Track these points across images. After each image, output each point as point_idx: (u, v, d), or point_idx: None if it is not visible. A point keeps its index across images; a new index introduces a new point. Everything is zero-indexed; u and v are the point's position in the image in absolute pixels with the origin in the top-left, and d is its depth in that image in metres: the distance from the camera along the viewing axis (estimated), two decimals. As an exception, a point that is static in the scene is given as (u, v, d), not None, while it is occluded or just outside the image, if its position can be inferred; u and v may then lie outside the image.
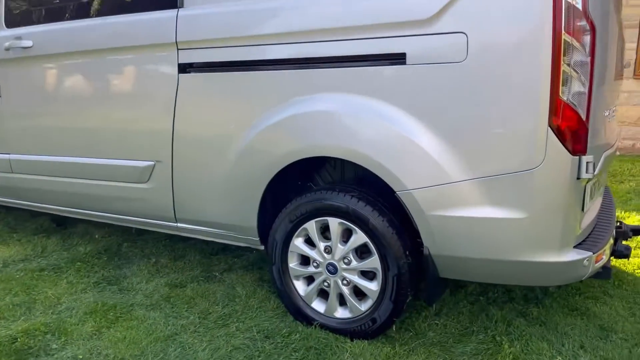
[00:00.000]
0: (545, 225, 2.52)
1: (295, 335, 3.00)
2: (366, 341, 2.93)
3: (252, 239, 3.28)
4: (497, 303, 3.36)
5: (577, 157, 2.45)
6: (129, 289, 3.60)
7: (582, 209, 2.72)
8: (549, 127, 2.41)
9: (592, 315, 3.21)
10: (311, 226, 2.98)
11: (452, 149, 2.57)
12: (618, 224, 3.48)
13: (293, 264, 3.10)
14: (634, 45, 8.89)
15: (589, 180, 2.72)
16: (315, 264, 3.03)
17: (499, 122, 2.48)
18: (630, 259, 4.03)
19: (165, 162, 3.35)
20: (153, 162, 3.39)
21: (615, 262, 3.98)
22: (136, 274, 3.83)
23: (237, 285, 3.60)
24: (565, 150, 2.43)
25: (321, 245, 2.98)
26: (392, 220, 2.79)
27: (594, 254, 2.65)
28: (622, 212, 5.22)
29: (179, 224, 3.50)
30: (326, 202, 2.89)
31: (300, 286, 3.12)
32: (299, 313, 3.12)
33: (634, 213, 5.19)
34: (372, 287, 2.88)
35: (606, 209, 3.38)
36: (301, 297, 3.11)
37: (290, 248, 3.07)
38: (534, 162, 2.46)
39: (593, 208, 3.03)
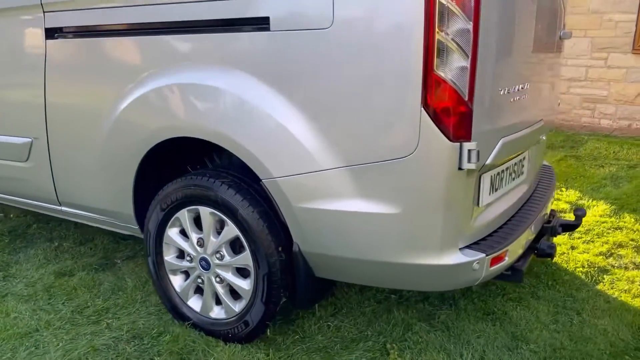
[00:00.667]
0: (422, 222, 2.15)
1: (166, 336, 2.70)
2: (240, 345, 2.61)
3: (133, 228, 2.97)
4: (408, 303, 3.01)
5: (458, 143, 2.07)
6: (14, 276, 3.33)
7: (478, 204, 2.34)
8: (422, 108, 2.03)
9: (507, 321, 2.85)
10: (183, 216, 2.65)
11: (320, 132, 2.20)
12: (548, 217, 3.08)
13: (169, 256, 2.78)
14: (634, 16, 8.26)
15: (488, 169, 2.34)
16: (189, 258, 2.71)
17: (369, 101, 2.10)
18: (579, 254, 3.63)
19: (41, 139, 3.03)
20: (30, 139, 3.08)
21: (557, 258, 3.59)
22: (30, 259, 3.56)
23: (128, 276, 3.30)
24: (443, 136, 2.05)
25: (194, 237, 2.65)
26: (265, 213, 2.44)
27: (487, 255, 2.28)
28: (589, 201, 4.79)
29: (63, 208, 3.19)
30: (195, 189, 2.55)
31: (176, 281, 2.81)
32: (175, 310, 2.82)
33: (602, 202, 4.76)
34: (245, 286, 2.56)
35: (535, 200, 2.99)
36: (177, 294, 2.80)
37: (165, 239, 2.75)
38: (406, 150, 2.08)
39: (507, 200, 2.65)
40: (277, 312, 2.52)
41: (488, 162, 2.22)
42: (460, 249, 2.27)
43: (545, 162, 3.72)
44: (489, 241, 2.42)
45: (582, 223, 4.13)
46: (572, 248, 3.77)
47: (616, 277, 3.35)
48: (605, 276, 3.36)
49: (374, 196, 2.18)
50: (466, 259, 2.23)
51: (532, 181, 3.01)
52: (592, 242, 3.89)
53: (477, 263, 2.26)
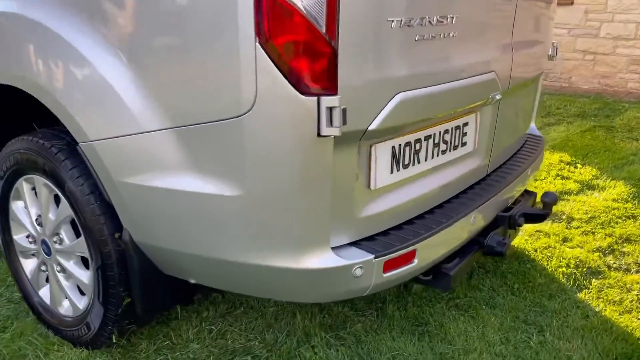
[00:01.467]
0: (270, 210, 1.52)
1: (7, 333, 2.20)
2: (87, 352, 2.08)
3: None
4: (323, 304, 2.39)
5: (314, 98, 1.40)
6: None
7: (369, 185, 1.68)
8: (257, 45, 1.37)
9: (440, 337, 2.18)
10: (22, 186, 2.11)
11: (143, 82, 1.59)
12: (512, 203, 2.36)
13: (17, 235, 2.26)
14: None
15: (385, 138, 1.67)
16: (31, 239, 2.18)
17: (194, 34, 1.47)
18: (570, 249, 2.89)
19: None
20: None
21: (539, 254, 2.86)
22: None
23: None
24: (290, 86, 1.39)
25: (32, 213, 2.11)
26: (97, 187, 1.85)
27: (377, 257, 1.63)
28: (605, 180, 3.95)
29: None
30: (25, 152, 1.99)
31: (27, 265, 2.29)
32: (27, 300, 2.31)
33: (621, 183, 3.91)
34: (85, 279, 2.00)
35: (492, 180, 2.27)
36: (29, 280, 2.29)
37: (10, 214, 2.23)
38: (240, 106, 1.44)
39: (435, 180, 1.96)
40: (124, 316, 1.96)
41: (374, 126, 1.54)
42: (335, 247, 1.63)
43: (534, 131, 2.95)
44: (391, 237, 1.75)
45: (588, 209, 3.36)
46: (564, 240, 3.01)
47: (608, 283, 2.59)
48: (594, 280, 2.61)
49: (208, 171, 1.56)
50: (341, 262, 1.59)
51: (492, 155, 2.28)
52: (593, 233, 3.12)
53: (360, 267, 1.61)
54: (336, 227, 1.61)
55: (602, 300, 2.46)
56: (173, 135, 1.57)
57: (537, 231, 3.10)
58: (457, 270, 2.00)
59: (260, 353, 2.09)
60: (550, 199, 2.23)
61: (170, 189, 1.62)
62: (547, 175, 4.05)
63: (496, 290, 2.50)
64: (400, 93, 1.58)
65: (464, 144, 2.05)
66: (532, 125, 2.96)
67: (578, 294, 2.50)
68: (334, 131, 1.42)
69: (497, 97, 2.04)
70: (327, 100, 1.40)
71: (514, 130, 2.52)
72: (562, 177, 4.01)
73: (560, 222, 3.24)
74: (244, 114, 1.43)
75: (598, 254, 2.87)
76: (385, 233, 1.77)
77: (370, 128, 1.53)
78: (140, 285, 1.85)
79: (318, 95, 1.40)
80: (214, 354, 2.10)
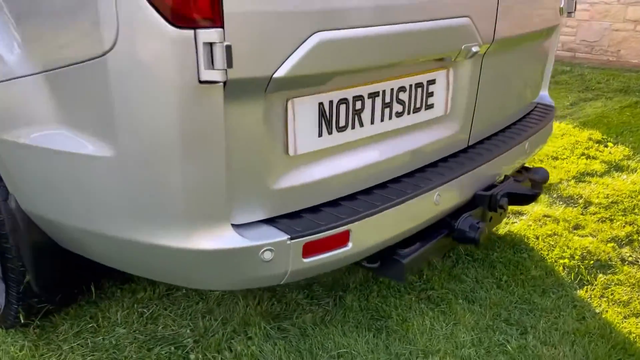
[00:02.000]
0: (149, 175, 1.23)
1: None
2: (1, 331, 1.87)
3: None
4: (277, 288, 2.10)
5: (189, 31, 1.09)
6: None
7: (287, 150, 1.36)
8: (111, -41, 1.07)
9: (399, 335, 1.85)
10: None
11: (10, 17, 1.32)
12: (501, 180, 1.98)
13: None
14: None
15: (309, 91, 1.34)
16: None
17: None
18: (580, 237, 2.49)
19: None
20: None
21: (540, 242, 2.47)
22: None
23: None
24: (158, 15, 1.08)
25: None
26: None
27: (293, 239, 1.32)
28: (637, 161, 3.47)
29: None
30: None
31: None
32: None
33: (657, 164, 3.43)
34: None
35: (472, 152, 1.91)
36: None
37: None
38: (102, 43, 1.15)
39: (389, 148, 1.62)
40: (29, 294, 1.72)
41: (282, 74, 1.21)
42: (242, 225, 1.33)
43: (544, 99, 2.54)
44: (321, 215, 1.44)
45: (611, 192, 2.93)
46: (575, 228, 2.60)
47: (617, 279, 2.19)
48: (601, 276, 2.22)
49: (79, 127, 1.28)
50: (242, 242, 1.29)
51: (475, 123, 1.91)
52: (611, 220, 2.69)
53: (269, 250, 1.31)
54: (242, 200, 1.31)
55: (605, 299, 2.07)
56: (42, 82, 1.30)
57: (544, 216, 2.70)
58: (414, 258, 1.66)
59: (187, 343, 1.82)
60: (539, 177, 1.85)
61: (45, 147, 1.35)
62: (570, 154, 3.59)
63: (480, 282, 2.15)
64: (319, 32, 1.24)
65: (429, 107, 1.69)
66: (543, 92, 2.55)
67: (578, 291, 2.11)
68: (217, 75, 1.10)
69: (475, 49, 1.66)
70: (205, 34, 1.08)
71: (511, 95, 2.13)
72: (588, 157, 3.55)
73: (575, 207, 2.82)
74: (106, 53, 1.14)
75: (613, 244, 2.45)
76: (316, 210, 1.45)
77: (276, 76, 1.20)
78: (32, 259, 1.60)
79: (194, 27, 1.08)
80: (138, 341, 1.85)
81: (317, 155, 1.42)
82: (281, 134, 1.33)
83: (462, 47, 1.62)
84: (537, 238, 2.48)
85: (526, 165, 2.35)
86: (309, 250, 1.38)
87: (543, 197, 2.91)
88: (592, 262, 2.30)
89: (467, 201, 1.85)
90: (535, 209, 2.76)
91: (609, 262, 2.30)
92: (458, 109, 1.80)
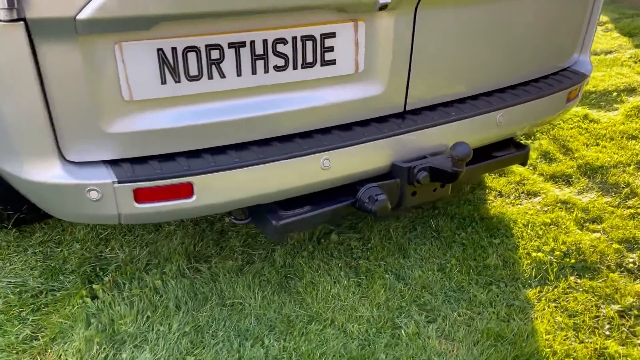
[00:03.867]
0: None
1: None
2: (-16, 228, 2.21)
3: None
4: (231, 230, 2.16)
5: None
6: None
7: (123, 95, 1.38)
8: None
9: (291, 297, 1.81)
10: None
11: None
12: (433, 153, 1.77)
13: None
14: None
15: (135, 34, 1.34)
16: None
17: None
18: (577, 233, 2.15)
19: None
20: None
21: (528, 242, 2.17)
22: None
23: None
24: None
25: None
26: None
27: (121, 182, 1.37)
28: None
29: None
30: None
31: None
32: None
33: None
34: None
35: (413, 119, 1.73)
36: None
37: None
38: None
39: (286, 102, 1.54)
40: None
41: (86, 15, 1.22)
42: (78, 163, 1.39)
43: (581, 64, 2.17)
44: (168, 164, 1.45)
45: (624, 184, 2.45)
46: (589, 221, 2.23)
47: (588, 287, 1.86)
48: (572, 278, 1.90)
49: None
50: (67, 179, 1.36)
51: (414, 86, 1.71)
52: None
53: (95, 190, 1.37)
54: (76, 138, 1.37)
55: (555, 305, 1.78)
56: None
57: (560, 202, 2.35)
58: (294, 221, 1.60)
59: (108, 266, 1.98)
60: (456, 153, 1.60)
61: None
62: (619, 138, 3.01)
63: (424, 261, 1.98)
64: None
65: (327, 63, 1.55)
66: (579, 55, 2.17)
67: (529, 290, 1.85)
68: (3, 14, 1.15)
69: (386, 0, 1.48)
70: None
71: (490, 57, 1.85)
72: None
73: (612, 197, 2.40)
74: None
75: (621, 246, 2.06)
76: (169, 158, 1.46)
77: (80, 17, 1.22)
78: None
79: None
80: (82, 258, 2.05)
81: (165, 102, 1.41)
82: (112, 78, 1.34)
83: (361, -4, 1.45)
84: (527, 225, 2.18)
85: (524, 141, 2.06)
86: (143, 196, 1.41)
87: (582, 180, 2.51)
88: (573, 261, 1.97)
89: (386, 171, 1.70)
90: (555, 192, 2.41)
91: (596, 266, 1.96)
92: (377, 68, 1.63)
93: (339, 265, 1.96)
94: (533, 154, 2.82)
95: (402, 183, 1.70)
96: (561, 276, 1.90)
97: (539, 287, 1.86)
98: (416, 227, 2.17)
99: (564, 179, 2.57)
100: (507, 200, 2.36)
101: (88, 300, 1.81)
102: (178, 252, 2.02)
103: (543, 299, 1.80)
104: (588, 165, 2.66)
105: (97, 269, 1.98)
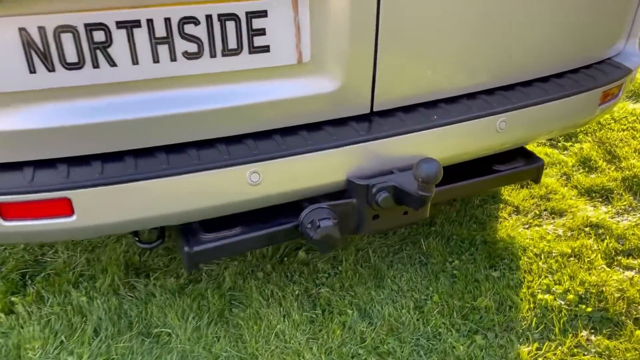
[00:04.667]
0: None
1: None
2: None
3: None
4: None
5: None
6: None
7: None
8: None
9: (227, 326, 1.50)
10: None
11: None
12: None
13: None
14: None
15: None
16: None
17: None
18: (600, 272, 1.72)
19: None
20: None
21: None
22: None
23: None
24: None
25: None
26: None
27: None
28: None
29: None
30: None
31: None
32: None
33: None
34: None
35: (381, 122, 1.37)
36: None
37: None
38: None
39: (205, 99, 1.22)
40: None
41: None
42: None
43: (626, 56, 1.73)
44: (43, 173, 1.16)
45: None
46: (626, 254, 1.78)
47: (603, 348, 1.44)
48: (587, 332, 1.48)
49: None
50: None
51: (386, 82, 1.34)
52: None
53: None
54: None
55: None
56: None
57: (592, 226, 1.90)
58: (211, 248, 1.28)
59: (39, 274, 1.74)
60: (422, 173, 1.22)
61: None
62: None
63: (401, 295, 1.62)
64: None
65: (259, 50, 1.20)
66: (625, 43, 1.73)
67: (522, 347, 1.45)
68: None
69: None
70: None
71: (490, 46, 1.44)
72: None
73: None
74: None
75: (660, 291, 1.62)
76: (50, 165, 1.18)
77: None
78: None
79: None
80: (22, 260, 1.82)
81: (38, 96, 1.12)
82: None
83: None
84: (540, 255, 1.76)
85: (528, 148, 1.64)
86: (10, 212, 1.13)
87: (625, 197, 2.05)
88: (590, 309, 1.55)
89: (341, 187, 1.35)
90: (586, 211, 1.97)
91: (620, 318, 1.53)
92: (329, 58, 1.27)
93: (296, 293, 1.63)
94: (570, 160, 2.36)
95: (360, 204, 1.34)
96: (570, 329, 1.49)
97: (537, 342, 1.46)
98: (404, 247, 1.81)
99: (603, 195, 2.11)
100: (522, 220, 1.94)
101: (2, 315, 1.58)
102: (118, 262, 1.75)
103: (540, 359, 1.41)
104: (636, 179, 2.18)
105: (27, 276, 1.75)
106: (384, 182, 1.30)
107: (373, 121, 1.38)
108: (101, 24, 1.08)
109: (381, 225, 1.39)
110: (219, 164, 1.20)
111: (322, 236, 1.26)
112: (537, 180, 1.63)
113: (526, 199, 2.06)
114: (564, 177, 2.25)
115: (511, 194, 2.09)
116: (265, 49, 1.21)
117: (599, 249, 1.79)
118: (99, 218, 1.17)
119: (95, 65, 1.11)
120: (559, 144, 2.51)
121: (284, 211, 1.37)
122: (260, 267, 1.73)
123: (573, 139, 2.54)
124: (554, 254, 1.76)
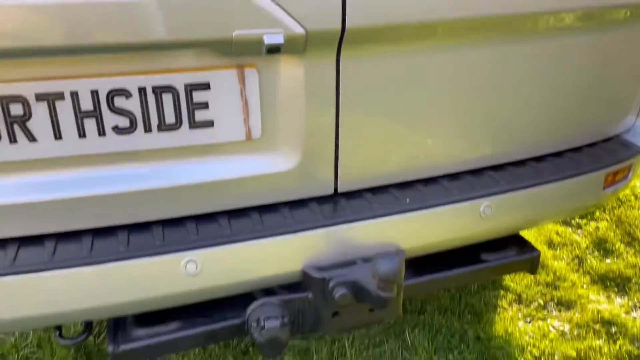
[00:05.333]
0: None
1: None
2: None
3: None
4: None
5: None
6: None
7: None
8: None
9: None
10: None
11: None
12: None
13: None
14: None
15: None
16: None
17: None
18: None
19: None
20: None
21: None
22: None
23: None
24: None
25: None
26: None
27: None
28: None
29: None
30: None
31: None
32: None
33: None
34: None
35: (346, 205, 1.21)
36: None
37: None
38: None
39: (136, 179, 1.10)
40: None
41: None
42: None
43: (635, 134, 1.56)
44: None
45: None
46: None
47: None
48: None
49: None
50: None
51: (351, 160, 1.20)
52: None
53: None
54: None
55: None
56: None
57: (603, 322, 1.68)
58: (142, 347, 1.12)
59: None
60: (379, 270, 1.05)
61: None
62: None
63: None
64: None
65: (200, 125, 1.08)
66: (635, 119, 1.58)
67: None
68: None
69: (272, 40, 1.00)
70: None
71: (475, 121, 1.29)
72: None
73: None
74: None
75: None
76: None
77: None
78: None
79: None
80: None
81: None
82: None
83: (232, 35, 0.98)
84: (538, 359, 1.53)
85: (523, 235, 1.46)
86: None
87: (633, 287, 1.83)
88: None
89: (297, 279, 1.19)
90: (598, 303, 1.74)
91: None
92: (283, 135, 1.13)
93: None
94: (583, 241, 2.14)
95: (316, 299, 1.17)
96: None
97: None
98: (387, 339, 1.61)
99: (618, 284, 1.89)
100: (524, 311, 1.72)
101: None
102: (69, 346, 1.60)
103: None
104: (657, 266, 1.95)
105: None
106: (342, 277, 1.14)
107: (337, 203, 1.23)
108: (18, 96, 0.98)
109: (342, 324, 1.21)
110: (148, 252, 1.06)
111: (266, 339, 1.09)
112: (532, 271, 1.43)
113: (530, 286, 1.85)
114: (576, 260, 2.03)
115: (514, 279, 1.88)
116: (209, 124, 1.09)
117: (609, 353, 1.55)
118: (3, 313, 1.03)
119: (13, 140, 1.00)
120: (573, 221, 2.30)
121: (232, 304, 1.20)
122: (220, 358, 1.55)
123: (588, 217, 2.33)
124: (556, 358, 1.53)
